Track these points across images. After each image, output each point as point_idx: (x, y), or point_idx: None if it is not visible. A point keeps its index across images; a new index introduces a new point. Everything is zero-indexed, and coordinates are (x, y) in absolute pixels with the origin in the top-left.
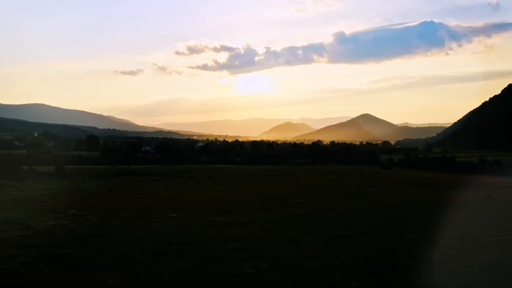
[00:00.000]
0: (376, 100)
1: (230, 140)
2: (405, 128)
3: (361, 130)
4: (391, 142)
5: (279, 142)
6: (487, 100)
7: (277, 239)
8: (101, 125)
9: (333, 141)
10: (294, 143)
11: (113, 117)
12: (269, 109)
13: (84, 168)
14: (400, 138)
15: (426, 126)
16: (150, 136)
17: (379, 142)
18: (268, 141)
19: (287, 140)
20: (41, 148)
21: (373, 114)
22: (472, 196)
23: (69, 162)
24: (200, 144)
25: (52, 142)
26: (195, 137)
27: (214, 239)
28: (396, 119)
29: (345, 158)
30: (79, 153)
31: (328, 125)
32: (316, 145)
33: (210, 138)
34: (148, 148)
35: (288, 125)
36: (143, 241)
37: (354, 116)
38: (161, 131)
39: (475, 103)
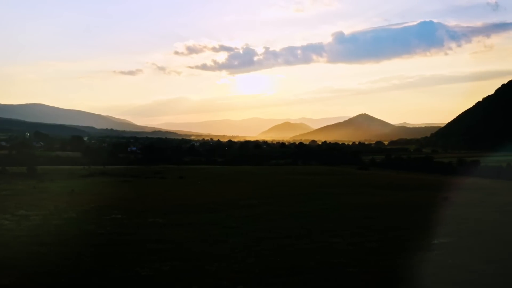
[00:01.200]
0: (375, 100)
1: (225, 140)
2: (402, 128)
3: (359, 130)
4: (385, 142)
5: (274, 142)
6: (480, 100)
7: (202, 241)
8: (99, 125)
9: (325, 141)
10: (283, 143)
11: (112, 117)
12: (269, 109)
13: (58, 169)
14: (398, 138)
15: (423, 126)
16: (145, 136)
17: (372, 142)
18: (261, 141)
19: (283, 140)
20: (25, 148)
21: (372, 114)
22: (429, 197)
23: (47, 163)
24: (193, 143)
25: (41, 143)
26: (193, 137)
27: (139, 240)
28: (395, 119)
29: (328, 158)
30: (63, 153)
31: (327, 125)
32: (303, 145)
33: (206, 138)
34: (134, 148)
35: (286, 125)
36: (67, 242)
37: (353, 116)
38: (159, 131)
39: (471, 103)
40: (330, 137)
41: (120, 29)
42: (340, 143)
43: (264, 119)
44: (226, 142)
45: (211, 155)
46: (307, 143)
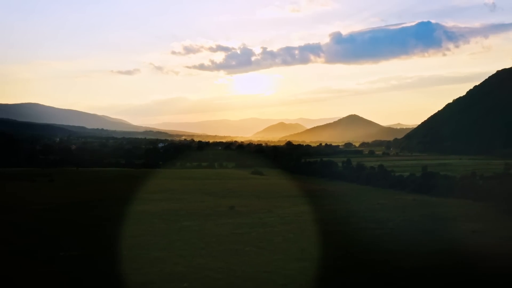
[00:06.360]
0: (374, 100)
1: (218, 140)
2: (389, 129)
3: (347, 130)
4: (356, 144)
5: (258, 144)
6: (451, 101)
7: None
8: (91, 125)
9: (289, 142)
10: (227, 145)
11: (107, 116)
12: (267, 109)
13: None
14: (374, 140)
15: (411, 127)
16: (122, 137)
17: (340, 144)
18: (240, 142)
19: (270, 140)
20: None
21: (370, 114)
22: (217, 206)
23: None
24: (160, 145)
25: None
26: (183, 137)
27: None
28: (389, 120)
29: (253, 161)
30: None
31: (318, 125)
32: (242, 147)
33: (187, 139)
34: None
35: (281, 125)
36: None
37: (342, 117)
38: (150, 131)
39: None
40: (318, 138)
41: (117, 28)
42: (305, 144)
43: (261, 119)
44: (197, 142)
45: (140, 158)
46: (283, 144)
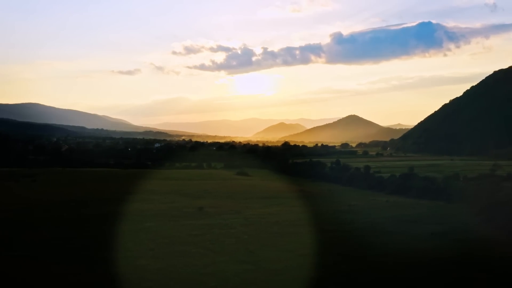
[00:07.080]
0: (375, 100)
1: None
2: (388, 130)
3: (346, 131)
4: (352, 144)
5: (254, 144)
6: (447, 102)
7: None
8: (91, 125)
9: (286, 142)
10: (220, 145)
11: (108, 116)
12: (267, 109)
13: None
14: (371, 140)
15: (410, 127)
16: (120, 137)
17: (337, 144)
18: (238, 143)
19: (269, 141)
20: None
21: (370, 115)
22: (187, 206)
23: None
24: (156, 145)
25: None
26: (183, 138)
27: None
28: (389, 120)
29: (241, 161)
30: None
31: (318, 126)
32: (234, 147)
33: (185, 139)
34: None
35: (281, 126)
36: None
37: (342, 117)
38: (150, 131)
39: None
40: (317, 138)
41: (118, 28)
42: (301, 145)
43: (262, 119)
44: (192, 143)
45: (131, 158)
46: (280, 144)
